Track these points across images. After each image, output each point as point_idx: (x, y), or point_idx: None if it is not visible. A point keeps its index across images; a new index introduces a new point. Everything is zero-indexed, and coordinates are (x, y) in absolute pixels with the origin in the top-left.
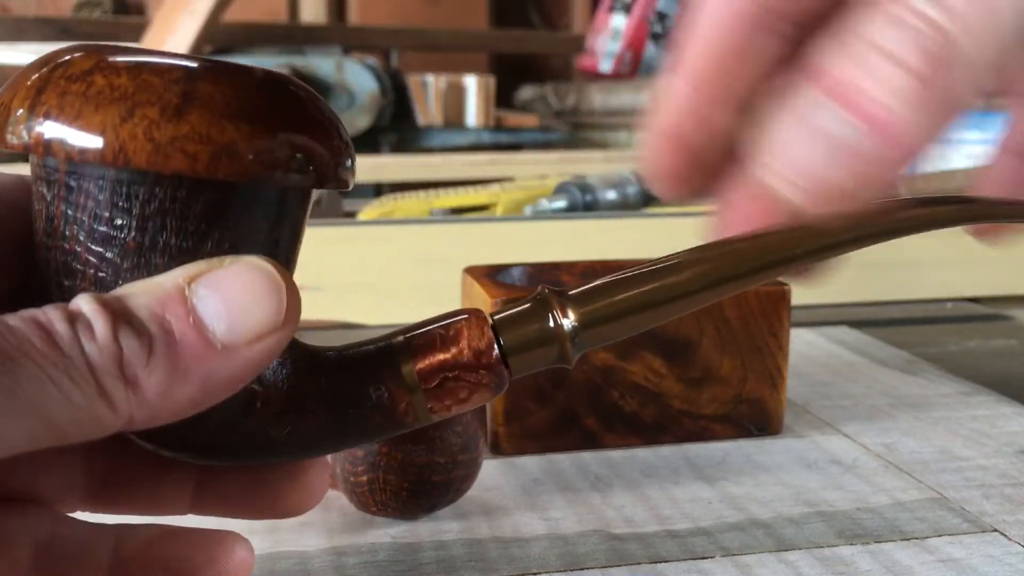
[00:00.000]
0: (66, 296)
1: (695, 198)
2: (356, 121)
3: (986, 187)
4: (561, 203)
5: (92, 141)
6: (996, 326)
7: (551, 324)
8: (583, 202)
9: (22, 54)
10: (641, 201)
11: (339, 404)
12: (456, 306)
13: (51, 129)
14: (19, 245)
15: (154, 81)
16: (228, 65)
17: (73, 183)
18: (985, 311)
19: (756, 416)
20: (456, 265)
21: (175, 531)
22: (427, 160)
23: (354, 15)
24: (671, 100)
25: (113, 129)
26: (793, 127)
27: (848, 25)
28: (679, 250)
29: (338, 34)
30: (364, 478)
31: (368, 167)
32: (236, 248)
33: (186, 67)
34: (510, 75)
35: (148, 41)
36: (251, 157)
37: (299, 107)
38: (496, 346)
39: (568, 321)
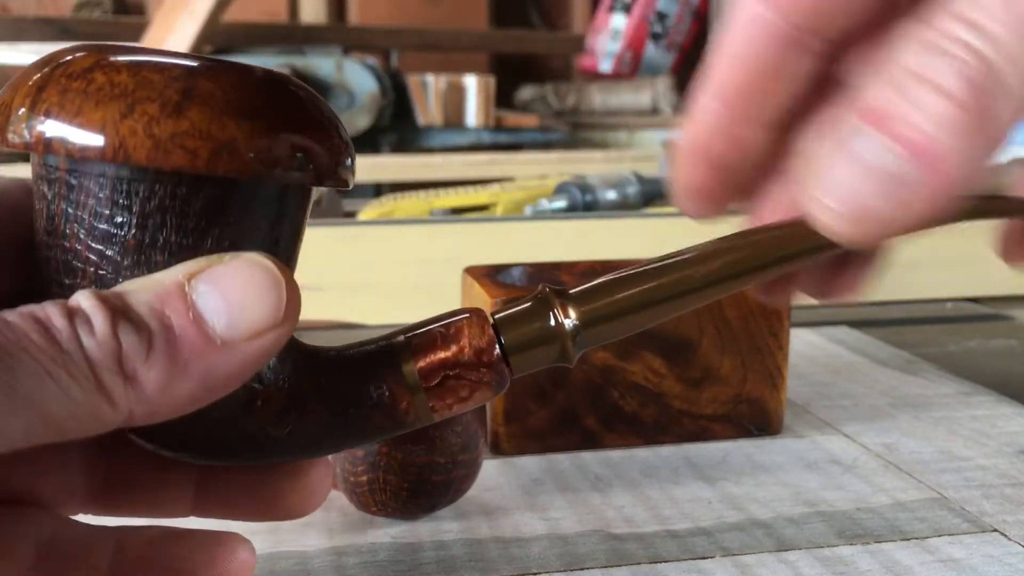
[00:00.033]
0: (67, 295)
1: (723, 216)
2: (356, 121)
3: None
4: (561, 203)
5: (92, 138)
6: (996, 326)
7: (552, 323)
8: (583, 202)
9: (22, 54)
10: (641, 201)
11: (340, 403)
12: (456, 306)
13: (51, 127)
14: (21, 248)
15: (154, 78)
16: (228, 63)
17: (74, 181)
18: (985, 311)
19: (756, 416)
20: (456, 265)
21: (176, 532)
22: (427, 160)
23: (354, 15)
24: (701, 118)
25: (113, 125)
26: (835, 155)
27: (889, 52)
28: (678, 248)
29: (338, 34)
30: (364, 478)
31: (368, 167)
32: (236, 245)
33: (186, 65)
34: (510, 75)
35: (148, 41)
36: (251, 154)
37: (299, 106)
38: (497, 344)
39: (569, 319)
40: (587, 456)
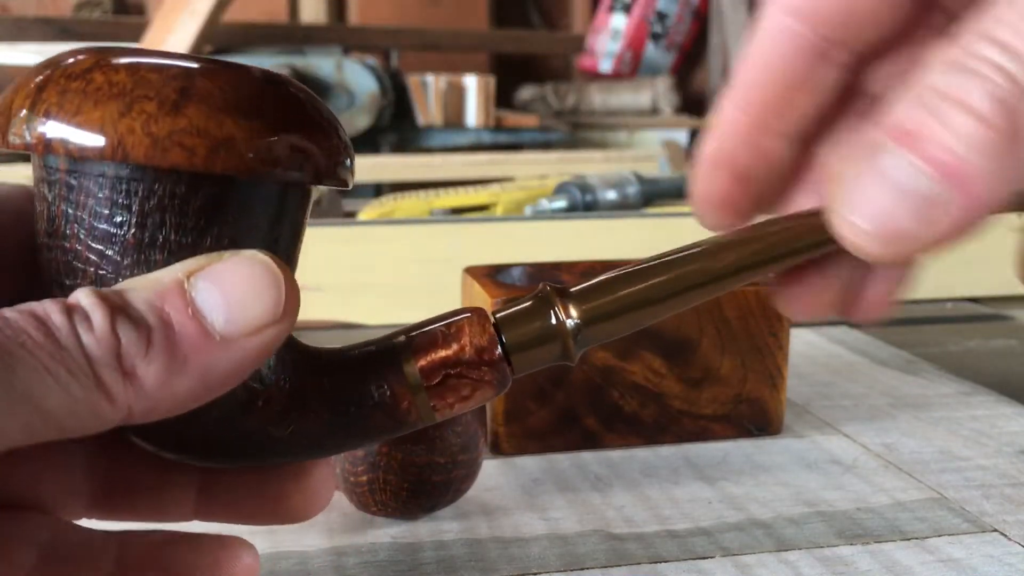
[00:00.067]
0: (68, 295)
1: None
2: (356, 121)
3: None
4: (561, 203)
5: (91, 136)
6: (996, 326)
7: (553, 321)
8: (583, 202)
9: (22, 54)
10: (641, 201)
11: (341, 402)
12: (456, 306)
13: (51, 127)
14: (25, 253)
15: (152, 77)
16: (227, 64)
17: (73, 181)
18: (985, 311)
19: (756, 416)
20: (456, 265)
21: (179, 536)
22: (427, 160)
23: (354, 15)
24: (725, 128)
25: (112, 124)
26: (865, 175)
27: (918, 71)
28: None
29: (338, 34)
30: (364, 478)
31: (368, 167)
32: (235, 244)
33: (185, 65)
34: (510, 75)
35: (148, 41)
36: (249, 152)
37: (298, 106)
38: (499, 343)
39: (570, 318)
40: (587, 456)
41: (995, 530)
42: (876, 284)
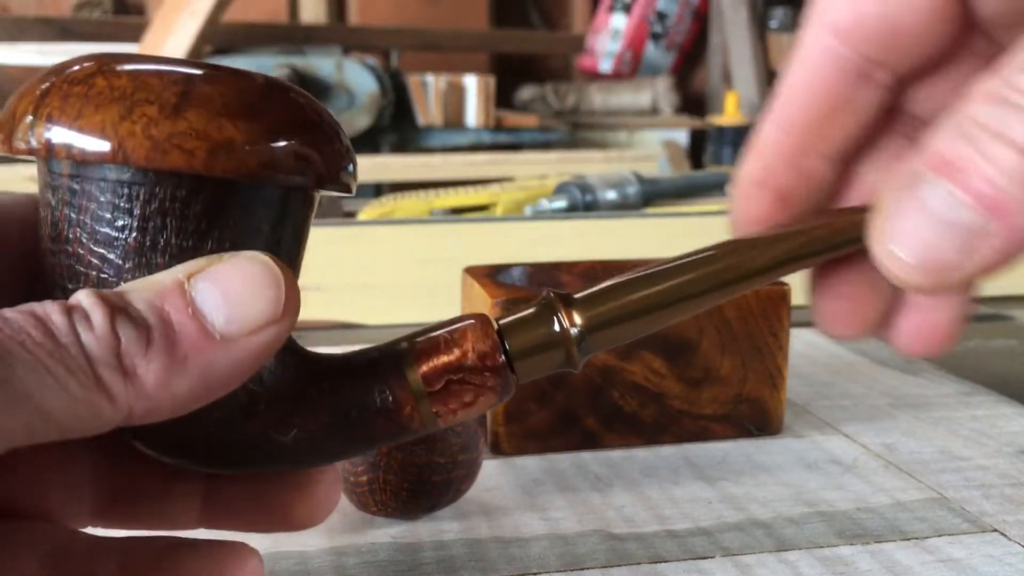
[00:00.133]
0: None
1: None
2: (356, 121)
3: None
4: (561, 203)
5: (92, 140)
6: (996, 326)
7: (557, 328)
8: (583, 202)
9: (22, 54)
10: (641, 201)
11: (343, 408)
12: (456, 306)
13: (53, 131)
14: (29, 262)
15: (153, 82)
16: (229, 69)
17: (76, 186)
18: (985, 311)
19: (756, 416)
20: (456, 265)
21: (184, 543)
22: (427, 160)
23: (354, 15)
24: (766, 148)
25: (112, 127)
26: (905, 205)
27: (959, 102)
28: (680, 250)
29: (338, 34)
30: (364, 478)
31: (368, 167)
32: (236, 248)
33: (186, 71)
34: (510, 75)
35: (148, 41)
36: (249, 155)
37: (299, 110)
38: (501, 350)
39: (574, 325)
40: (587, 456)
41: (995, 530)
42: (929, 314)
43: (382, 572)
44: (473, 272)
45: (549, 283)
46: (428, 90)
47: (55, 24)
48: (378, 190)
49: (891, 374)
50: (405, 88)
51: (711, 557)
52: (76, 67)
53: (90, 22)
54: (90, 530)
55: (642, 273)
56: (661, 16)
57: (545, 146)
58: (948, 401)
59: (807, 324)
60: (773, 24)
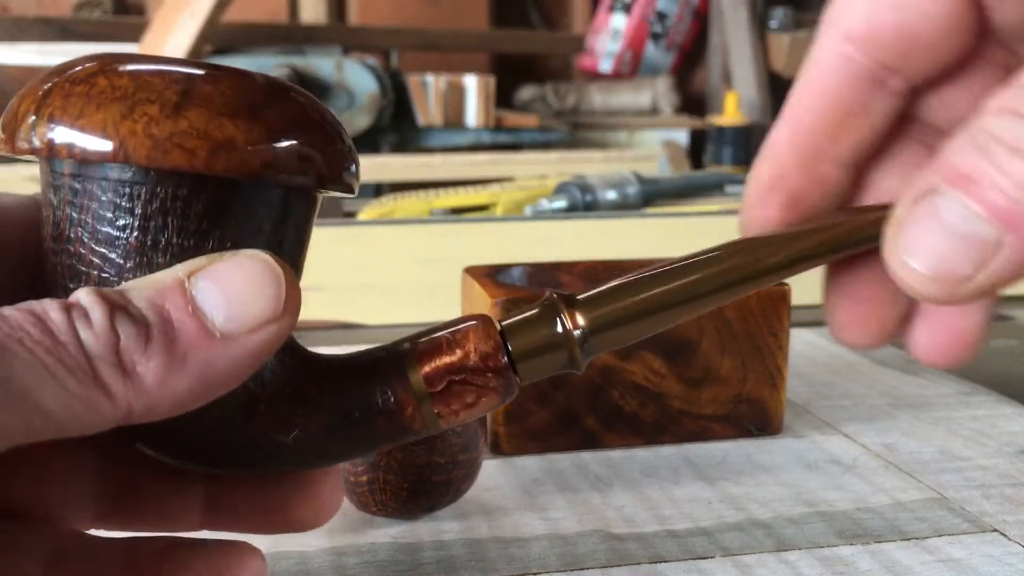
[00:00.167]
0: None
1: None
2: (356, 121)
3: None
4: (561, 203)
5: (93, 139)
6: (996, 326)
7: (559, 329)
8: (583, 202)
9: (22, 54)
10: (641, 201)
11: (344, 408)
12: (456, 306)
13: (55, 130)
14: (30, 263)
15: (154, 81)
16: (230, 69)
17: (78, 185)
18: None
19: (756, 416)
20: (456, 265)
21: (186, 543)
22: (427, 160)
23: (354, 15)
24: (778, 151)
25: (114, 126)
26: (919, 217)
27: (974, 115)
28: (680, 251)
29: (338, 34)
30: (364, 478)
31: (368, 167)
32: (237, 248)
33: (188, 71)
34: (510, 75)
35: (148, 41)
36: (250, 154)
37: (301, 110)
38: (504, 351)
39: (577, 327)
40: (587, 456)
41: (995, 530)
42: (950, 323)
43: (382, 572)
44: (473, 272)
45: (549, 283)
46: (428, 90)
47: (55, 24)
48: (378, 190)
49: (891, 374)
50: (405, 88)
51: (711, 557)
52: (78, 67)
53: (90, 22)
54: (92, 531)
55: (645, 274)
56: (661, 16)
57: (545, 146)
58: (948, 401)
59: (807, 324)
60: (773, 24)
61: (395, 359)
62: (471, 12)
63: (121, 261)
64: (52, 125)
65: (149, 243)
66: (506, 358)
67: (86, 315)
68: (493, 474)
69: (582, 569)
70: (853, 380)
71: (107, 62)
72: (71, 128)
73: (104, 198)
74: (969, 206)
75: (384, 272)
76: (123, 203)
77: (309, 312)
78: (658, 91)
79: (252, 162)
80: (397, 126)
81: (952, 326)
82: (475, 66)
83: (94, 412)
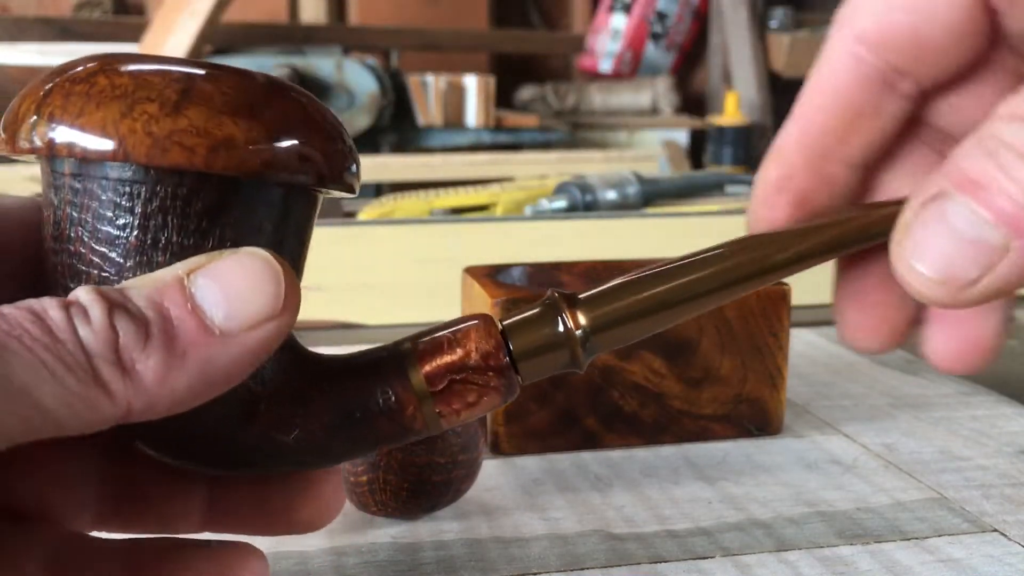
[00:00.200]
0: None
1: None
2: (356, 121)
3: None
4: (561, 203)
5: (93, 137)
6: None
7: (561, 328)
8: (583, 202)
9: (22, 54)
10: (641, 201)
11: (345, 408)
12: (456, 306)
13: (55, 129)
14: (31, 265)
15: (154, 80)
16: (231, 68)
17: (78, 185)
18: None
19: (756, 416)
20: (456, 265)
21: (188, 544)
22: (427, 160)
23: (354, 15)
24: (787, 151)
25: (113, 124)
26: (928, 221)
27: (985, 121)
28: (680, 250)
29: (338, 34)
30: (364, 478)
31: (368, 167)
32: (237, 247)
33: (188, 70)
34: (510, 75)
35: (148, 41)
36: (249, 152)
37: (301, 110)
38: (505, 350)
39: (579, 326)
40: (587, 456)
41: (995, 530)
42: (966, 329)
43: (382, 572)
44: (473, 272)
45: (549, 283)
46: (428, 90)
47: (55, 24)
48: (378, 190)
49: (891, 374)
50: (405, 88)
51: (711, 557)
52: (79, 67)
53: (90, 22)
54: (94, 533)
55: (647, 272)
56: (661, 16)
57: (545, 146)
58: (948, 401)
59: (807, 324)
60: (773, 24)
61: (396, 359)
62: (471, 12)
63: (121, 260)
64: (52, 124)
65: (149, 242)
66: (507, 357)
67: (85, 313)
68: (493, 474)
69: (582, 569)
70: (853, 380)
71: (108, 62)
72: (71, 127)
73: (104, 197)
74: (977, 211)
75: (384, 272)
76: (123, 202)
77: (309, 312)
78: (658, 91)
79: (252, 161)
80: (397, 126)
81: (968, 331)
82: (475, 66)
83: (93, 410)
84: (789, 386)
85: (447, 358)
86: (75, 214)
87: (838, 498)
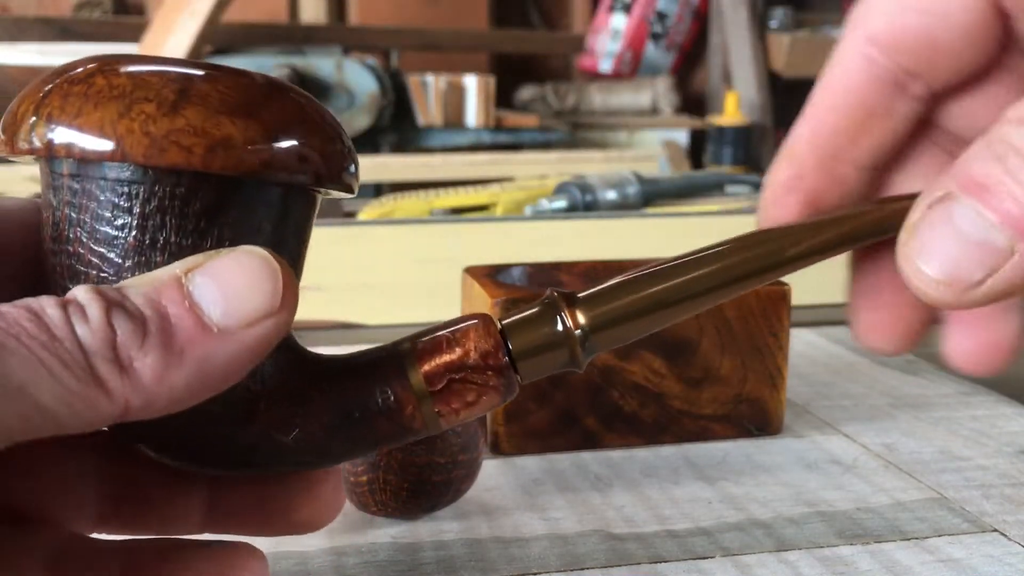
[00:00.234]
0: None
1: None
2: (356, 121)
3: None
4: (561, 203)
5: (91, 137)
6: None
7: (560, 328)
8: (583, 202)
9: (22, 54)
10: (641, 201)
11: (344, 408)
12: (456, 306)
13: (54, 130)
14: (30, 266)
15: (152, 80)
16: (229, 68)
17: (76, 185)
18: None
19: (756, 416)
20: (456, 265)
21: (187, 544)
22: (427, 160)
23: (354, 15)
24: (797, 151)
25: (111, 124)
26: (934, 223)
27: (993, 125)
28: (680, 250)
29: (338, 34)
30: (364, 478)
31: (368, 167)
32: (236, 246)
33: (186, 70)
34: (510, 75)
35: (148, 41)
36: (247, 152)
37: (299, 110)
38: (504, 349)
39: (578, 325)
40: (587, 456)
41: (995, 530)
42: (983, 331)
43: (382, 572)
44: (473, 272)
45: (549, 283)
46: (428, 90)
47: (55, 24)
48: (378, 190)
49: (891, 374)
50: (405, 88)
51: (711, 557)
52: (78, 68)
53: (90, 22)
54: (94, 534)
55: (646, 271)
56: (661, 16)
57: (545, 146)
58: (948, 401)
59: (807, 324)
60: (773, 24)
61: (395, 358)
62: (471, 12)
63: (120, 260)
64: (51, 125)
65: (147, 242)
66: (507, 356)
67: (83, 311)
68: (493, 474)
69: (582, 569)
70: (853, 380)
71: (106, 62)
72: (69, 127)
73: (103, 198)
74: (983, 214)
75: (384, 272)
76: (121, 202)
77: (309, 312)
78: (658, 91)
79: (250, 161)
80: (397, 126)
81: (987, 333)
82: (475, 66)
83: (91, 408)
84: (789, 386)
85: (446, 358)
86: (74, 215)
87: (838, 498)
